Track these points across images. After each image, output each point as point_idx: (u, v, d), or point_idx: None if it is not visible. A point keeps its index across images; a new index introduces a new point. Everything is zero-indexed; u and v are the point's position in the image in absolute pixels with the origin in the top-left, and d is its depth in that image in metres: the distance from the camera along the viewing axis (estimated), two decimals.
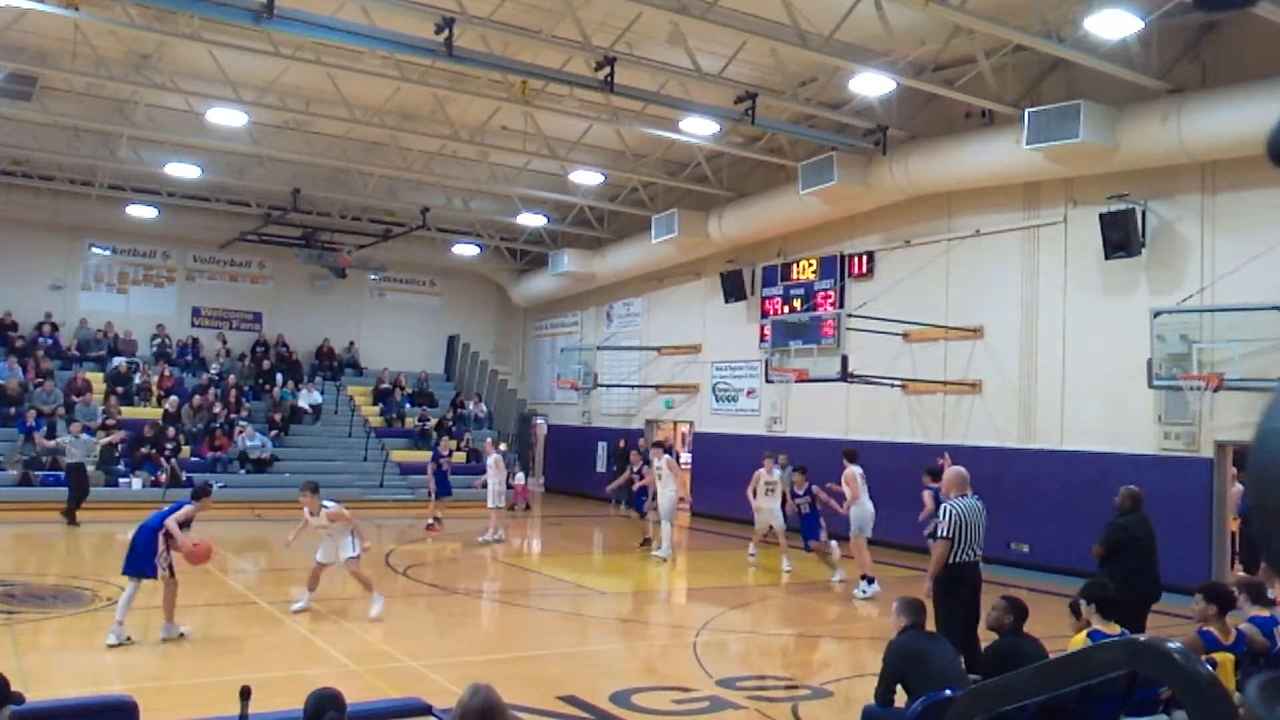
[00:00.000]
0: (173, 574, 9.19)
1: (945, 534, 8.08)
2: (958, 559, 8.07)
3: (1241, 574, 12.76)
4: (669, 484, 15.72)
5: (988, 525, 8.41)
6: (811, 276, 19.83)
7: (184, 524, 9.34)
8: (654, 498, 16.64)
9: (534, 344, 29.57)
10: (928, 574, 8.20)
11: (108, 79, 16.18)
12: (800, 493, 14.65)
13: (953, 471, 8.54)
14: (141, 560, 9.13)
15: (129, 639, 8.91)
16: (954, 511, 8.14)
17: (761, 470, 15.17)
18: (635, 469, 17.36)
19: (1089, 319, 14.91)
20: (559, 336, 28.02)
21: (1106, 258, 14.32)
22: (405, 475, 23.23)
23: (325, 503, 10.70)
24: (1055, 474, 15.00)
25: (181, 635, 9.22)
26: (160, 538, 9.15)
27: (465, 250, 26.92)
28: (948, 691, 5.27)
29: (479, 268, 28.46)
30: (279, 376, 25.05)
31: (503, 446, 19.65)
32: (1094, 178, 14.52)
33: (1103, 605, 6.16)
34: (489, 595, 13.17)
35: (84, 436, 18.15)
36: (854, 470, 13.72)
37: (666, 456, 16.16)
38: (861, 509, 13.48)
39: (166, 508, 9.59)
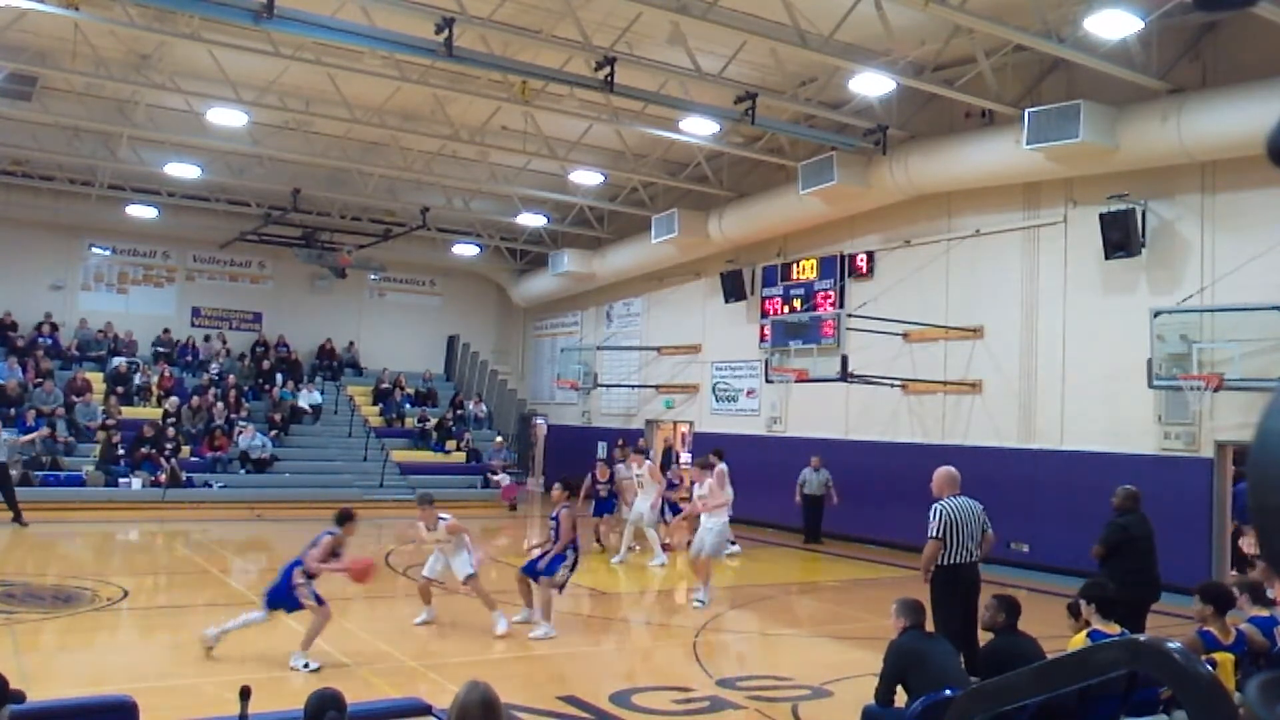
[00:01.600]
0: (320, 601, 8.76)
1: (935, 534, 8.03)
2: (953, 560, 8.03)
3: (1234, 574, 12.77)
4: (650, 492, 15.45)
5: (987, 525, 8.37)
6: (812, 276, 19.83)
7: (334, 553, 9.02)
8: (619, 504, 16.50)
9: (534, 344, 29.57)
10: (921, 569, 8.23)
11: (108, 79, 16.18)
12: (604, 480, 14.12)
13: (942, 471, 8.43)
14: (282, 595, 8.84)
15: (312, 665, 8.45)
16: (944, 511, 8.05)
17: (620, 466, 13.84)
18: (602, 480, 16.92)
19: (1089, 319, 14.92)
20: (559, 336, 28.02)
21: (1106, 258, 14.32)
22: (405, 475, 23.24)
23: (441, 515, 10.29)
24: (1055, 474, 15.00)
25: (306, 666, 8.43)
26: (297, 573, 8.85)
27: (465, 250, 26.93)
28: (948, 691, 5.28)
29: (479, 268, 28.47)
30: (279, 376, 25.06)
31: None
32: (1094, 178, 14.52)
33: (1102, 605, 6.16)
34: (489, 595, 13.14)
35: (5, 435, 17.98)
36: (723, 467, 13.68)
37: (648, 463, 15.87)
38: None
39: (311, 541, 9.17)
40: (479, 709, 3.52)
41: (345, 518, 9.28)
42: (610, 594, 13.53)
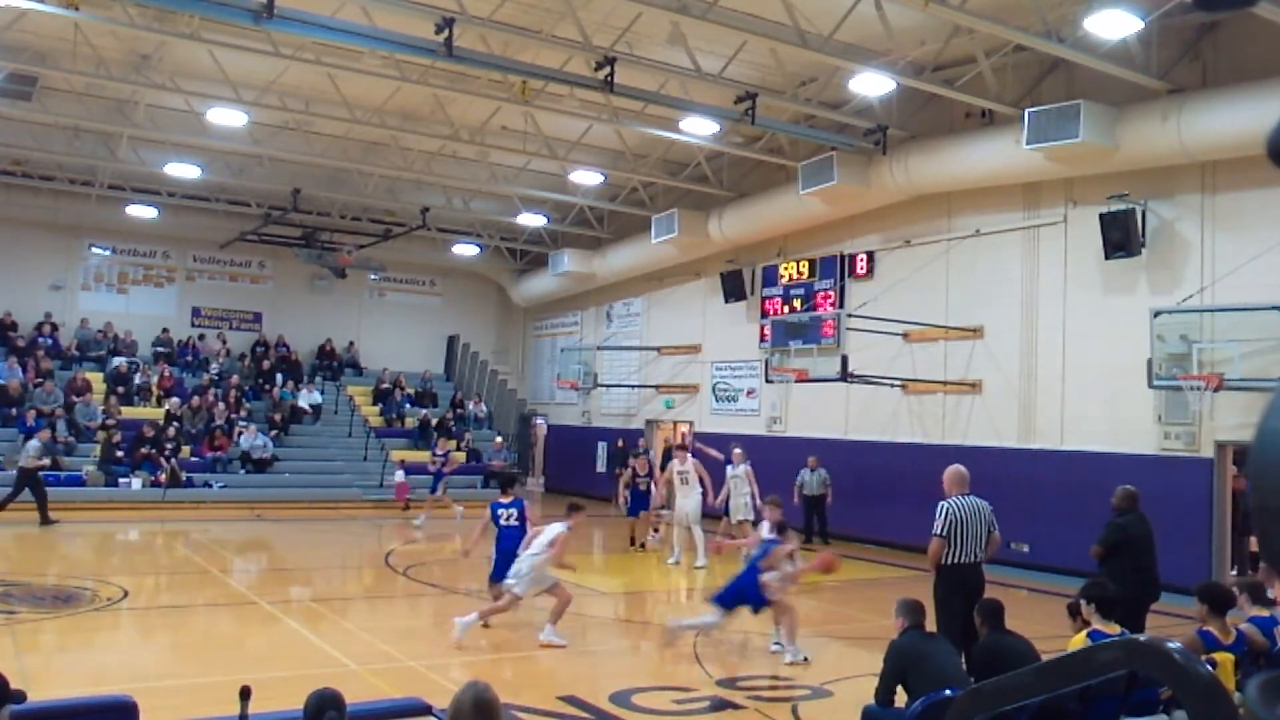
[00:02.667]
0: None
1: (940, 532, 8.01)
2: (957, 560, 8.00)
3: (1233, 574, 12.78)
4: (695, 489, 15.37)
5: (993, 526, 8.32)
6: (812, 277, 19.83)
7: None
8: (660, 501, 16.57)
9: (534, 344, 29.57)
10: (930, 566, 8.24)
11: (108, 79, 16.18)
12: (643, 474, 16.75)
13: (951, 470, 8.43)
14: (750, 597, 9.40)
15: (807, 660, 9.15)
16: (949, 509, 8.03)
17: (729, 467, 15.47)
18: (642, 473, 17.11)
19: (1089, 319, 14.91)
20: (559, 336, 28.02)
21: (1106, 258, 14.32)
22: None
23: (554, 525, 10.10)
24: (1055, 474, 14.99)
25: (805, 660, 9.29)
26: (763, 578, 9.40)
27: (465, 250, 26.93)
28: (948, 691, 5.27)
29: (479, 268, 28.47)
30: (279, 376, 25.06)
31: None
32: (1094, 178, 14.52)
33: (1102, 605, 6.16)
34: (489, 595, 13.15)
35: (34, 441, 18.00)
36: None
37: (692, 460, 15.70)
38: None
39: (756, 553, 9.68)
40: (471, 709, 3.51)
41: (782, 530, 10.04)
42: (610, 594, 13.53)
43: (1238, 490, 13.33)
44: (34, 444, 17.61)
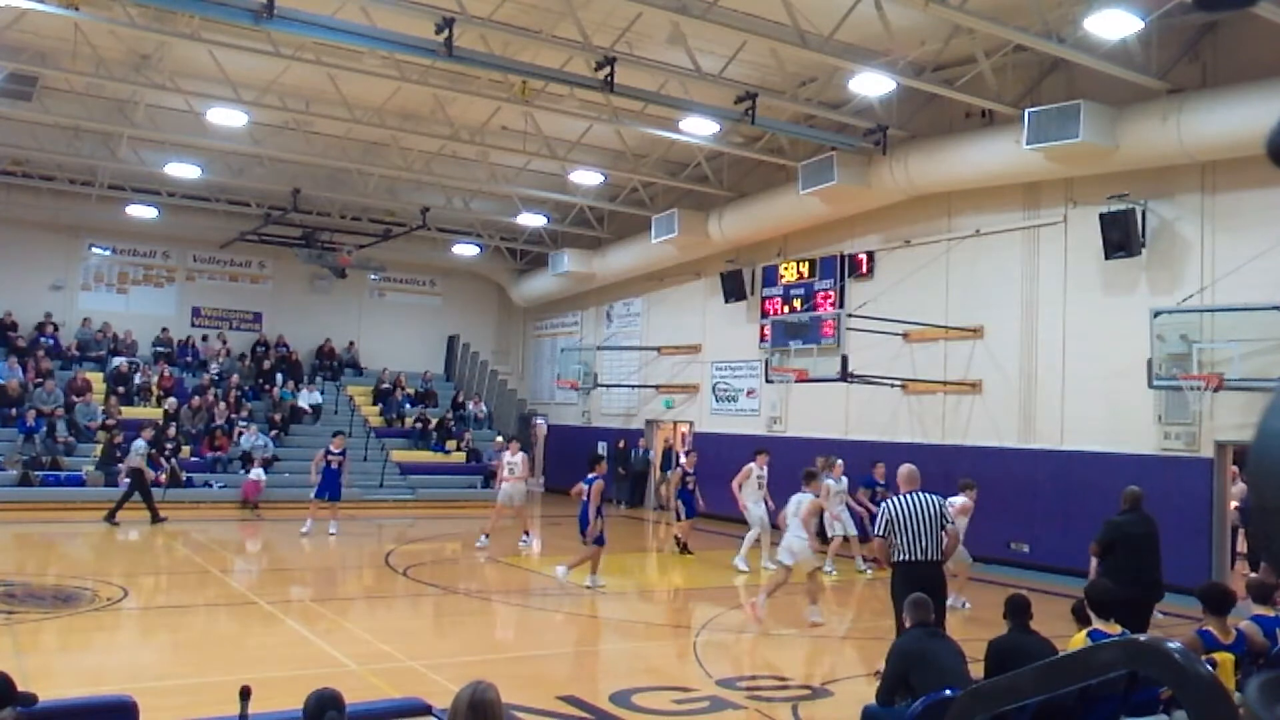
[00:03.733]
0: None
1: (877, 531, 8.31)
2: (903, 557, 8.06)
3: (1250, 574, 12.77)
4: (757, 493, 15.06)
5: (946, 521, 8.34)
6: (812, 277, 19.83)
7: None
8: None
9: (534, 344, 29.58)
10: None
11: (108, 79, 16.18)
12: (691, 470, 16.68)
13: (901, 468, 8.67)
14: None
15: None
16: (885, 508, 8.29)
17: (830, 480, 14.55)
18: (690, 471, 17.05)
19: (1089, 319, 14.91)
20: (559, 336, 28.03)
21: (1106, 258, 14.32)
22: (405, 475, 23.24)
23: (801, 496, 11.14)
24: (1055, 474, 14.99)
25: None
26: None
27: (465, 250, 26.93)
28: (948, 691, 5.27)
29: (479, 268, 28.47)
30: (279, 376, 25.05)
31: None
32: (1094, 178, 14.52)
33: (1098, 604, 6.16)
34: (489, 595, 13.17)
35: (140, 443, 18.06)
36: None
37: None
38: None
39: None
40: (466, 708, 3.49)
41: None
42: (610, 594, 13.53)
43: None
44: (139, 444, 17.91)
